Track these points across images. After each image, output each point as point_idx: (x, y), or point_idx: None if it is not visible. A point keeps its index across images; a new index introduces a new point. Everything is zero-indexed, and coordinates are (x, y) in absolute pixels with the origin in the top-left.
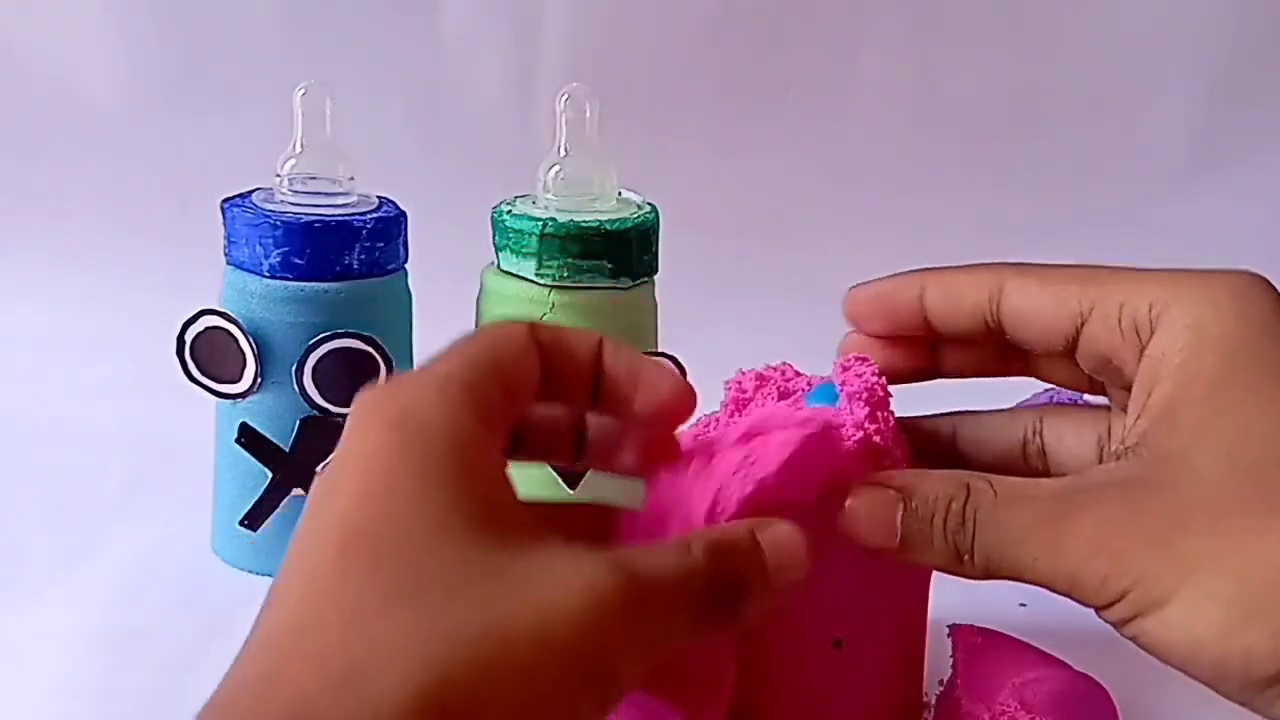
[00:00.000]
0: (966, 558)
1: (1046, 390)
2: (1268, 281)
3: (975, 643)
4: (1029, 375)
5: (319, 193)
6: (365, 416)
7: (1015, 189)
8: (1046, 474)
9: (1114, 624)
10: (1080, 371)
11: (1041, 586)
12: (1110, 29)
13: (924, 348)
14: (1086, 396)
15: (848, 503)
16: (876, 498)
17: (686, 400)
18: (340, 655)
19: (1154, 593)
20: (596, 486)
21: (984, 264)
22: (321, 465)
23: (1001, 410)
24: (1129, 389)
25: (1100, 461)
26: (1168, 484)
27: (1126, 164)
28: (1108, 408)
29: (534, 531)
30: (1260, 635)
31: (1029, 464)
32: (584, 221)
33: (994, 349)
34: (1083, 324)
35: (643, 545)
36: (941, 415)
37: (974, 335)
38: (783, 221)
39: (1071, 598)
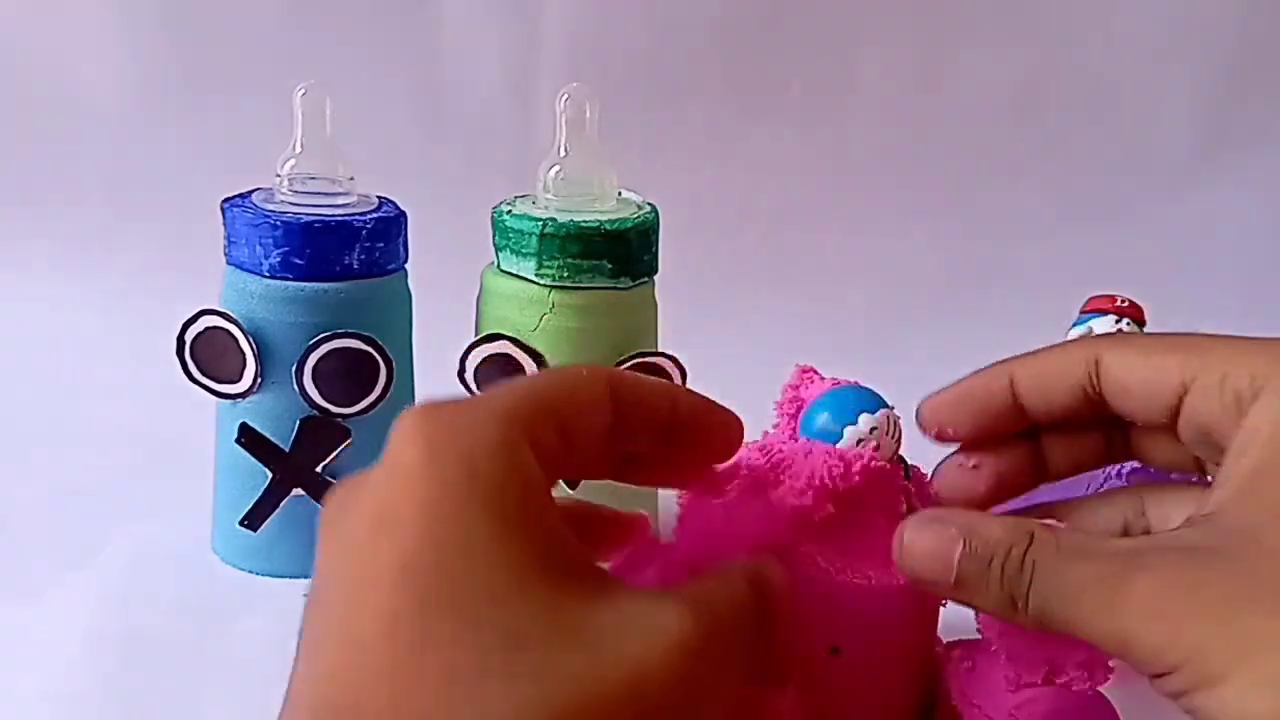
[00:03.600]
0: (1020, 605)
1: (1132, 468)
2: None
3: (969, 664)
4: (1132, 459)
5: (319, 193)
6: (427, 446)
7: (1017, 187)
8: None
9: (1166, 694)
10: (1183, 449)
11: (1094, 644)
12: (1114, 25)
13: (1025, 446)
14: (1174, 476)
15: (905, 535)
16: (937, 533)
17: (737, 446)
18: None
19: (1210, 669)
20: (594, 490)
21: (1069, 342)
22: (323, 465)
23: (1097, 496)
24: None
25: None
26: (1235, 556)
27: (1130, 161)
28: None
29: (598, 577)
30: None
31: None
32: (584, 221)
33: (1094, 434)
34: (1185, 394)
35: (679, 573)
36: (1037, 505)
37: (1072, 415)
38: (782, 221)
39: (1124, 660)
